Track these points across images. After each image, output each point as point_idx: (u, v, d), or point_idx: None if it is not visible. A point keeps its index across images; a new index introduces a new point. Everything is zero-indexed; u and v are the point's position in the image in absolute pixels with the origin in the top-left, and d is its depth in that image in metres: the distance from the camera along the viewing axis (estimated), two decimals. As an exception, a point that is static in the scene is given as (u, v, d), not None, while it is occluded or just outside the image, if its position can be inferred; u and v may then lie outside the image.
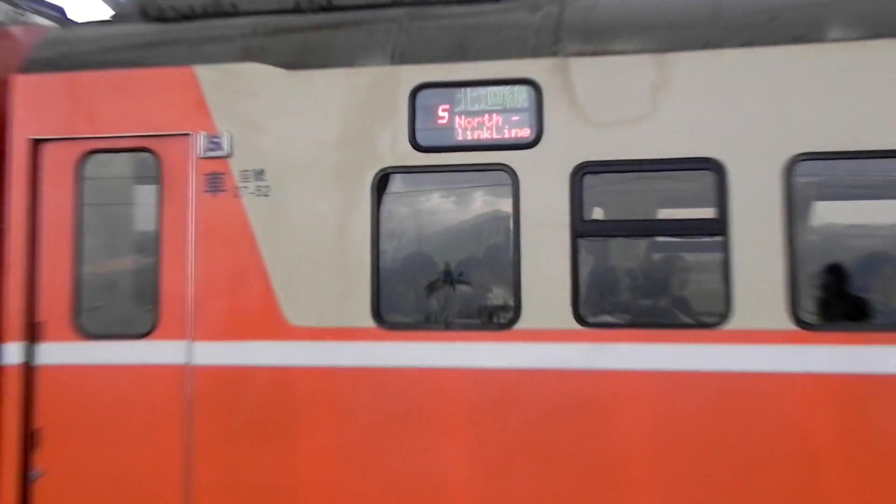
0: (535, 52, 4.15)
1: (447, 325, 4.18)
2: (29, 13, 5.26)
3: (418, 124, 4.19)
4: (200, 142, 4.40)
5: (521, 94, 4.11)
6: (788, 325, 3.78)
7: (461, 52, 4.22)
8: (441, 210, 4.54)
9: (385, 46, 4.33)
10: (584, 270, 4.10)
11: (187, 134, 4.43)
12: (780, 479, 3.74)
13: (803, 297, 3.91)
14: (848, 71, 3.83)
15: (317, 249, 4.23)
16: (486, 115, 4.14)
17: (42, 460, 4.46)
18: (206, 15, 4.85)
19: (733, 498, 3.78)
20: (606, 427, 3.90)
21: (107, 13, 5.16)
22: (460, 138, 4.16)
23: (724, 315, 3.84)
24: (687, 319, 4.24)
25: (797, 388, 3.77)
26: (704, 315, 4.13)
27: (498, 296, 4.26)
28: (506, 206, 4.15)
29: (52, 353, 4.48)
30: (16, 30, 4.95)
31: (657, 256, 4.64)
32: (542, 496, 3.94)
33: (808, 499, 3.72)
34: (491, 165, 4.13)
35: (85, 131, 4.54)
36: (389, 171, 4.23)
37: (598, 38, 4.13)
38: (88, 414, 4.40)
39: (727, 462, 3.78)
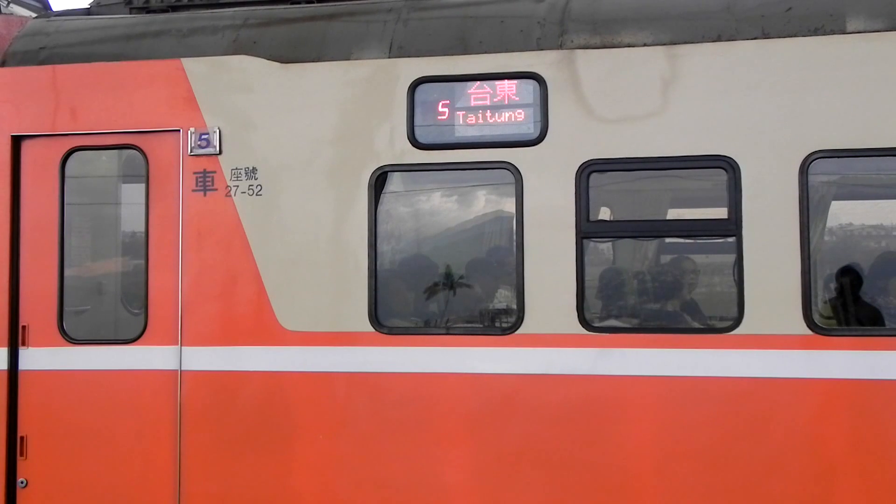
0: (539, 45, 4.03)
1: (447, 330, 4.08)
2: (10, 3, 5.07)
3: (417, 120, 4.07)
4: (189, 138, 4.26)
5: (525, 89, 3.98)
6: (802, 329, 3.67)
7: (462, 45, 4.09)
8: (441, 210, 4.43)
9: (383, 38, 4.20)
10: (590, 273, 4.00)
11: (175, 130, 4.29)
12: (791, 488, 3.66)
13: (818, 300, 3.83)
14: (869, 64, 3.70)
15: (312, 251, 4.12)
16: (489, 111, 4.02)
17: (27, 469, 4.35)
18: (194, 5, 4.72)
19: None
20: (613, 435, 3.82)
21: (88, 2, 4.99)
22: (461, 135, 4.05)
23: (736, 319, 3.74)
24: (697, 324, 4.14)
25: (811, 395, 3.68)
26: (715, 319, 4.06)
27: (500, 299, 4.17)
28: (508, 205, 4.05)
29: (36, 358, 4.37)
30: (-5, 21, 4.79)
31: (666, 258, 4.54)
32: (546, 507, 3.83)
33: None
34: (493, 163, 4.01)
35: (68, 128, 4.41)
36: (387, 169, 4.10)
37: (605, 30, 3.99)
38: (75, 421, 4.30)
39: (737, 471, 3.70)
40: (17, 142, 4.45)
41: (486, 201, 4.42)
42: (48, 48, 4.56)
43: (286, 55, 4.24)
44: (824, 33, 3.76)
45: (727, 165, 3.78)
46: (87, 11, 4.94)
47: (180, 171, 4.27)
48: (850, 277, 4.02)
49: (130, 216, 4.52)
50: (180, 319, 4.22)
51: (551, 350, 3.87)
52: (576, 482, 3.83)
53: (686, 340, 3.82)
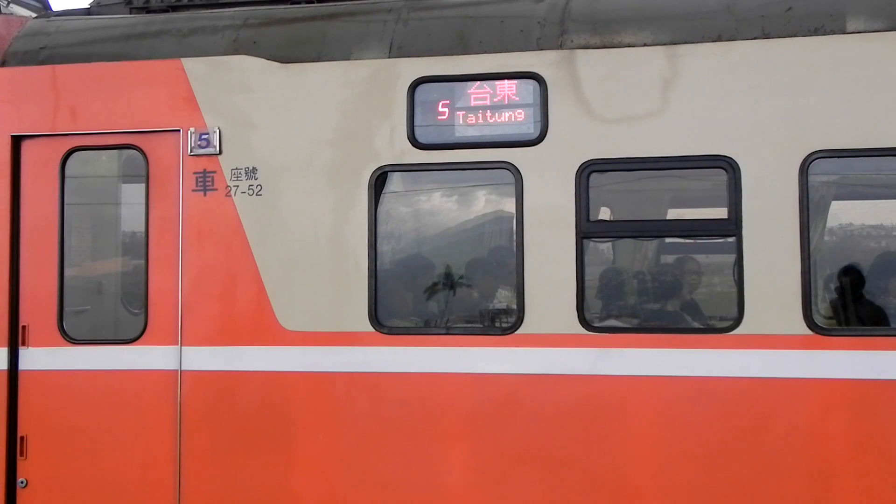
0: (539, 45, 4.02)
1: (447, 330, 4.08)
2: (10, 3, 5.07)
3: (417, 120, 4.06)
4: (189, 138, 4.26)
5: (526, 89, 3.98)
6: (802, 329, 3.67)
7: (462, 45, 4.09)
8: (441, 210, 4.42)
9: (383, 38, 4.20)
10: (590, 273, 4.00)
11: (175, 130, 4.29)
12: (792, 488, 3.66)
13: (818, 300, 3.82)
14: (869, 64, 3.70)
15: (312, 251, 4.12)
16: (489, 111, 4.02)
17: (27, 469, 4.35)
18: (194, 5, 4.72)
19: None
20: (613, 435, 3.82)
21: (88, 2, 4.99)
22: (461, 135, 4.04)
23: (736, 319, 3.74)
24: (697, 324, 4.13)
25: (811, 395, 3.67)
26: (715, 319, 4.05)
27: (500, 299, 4.17)
28: (509, 205, 4.05)
29: (36, 358, 4.36)
30: (-5, 21, 4.78)
31: (666, 258, 4.54)
32: (546, 507, 3.83)
33: None
34: (493, 163, 4.01)
35: (68, 128, 4.40)
36: (387, 169, 4.10)
37: (606, 30, 3.99)
38: (75, 421, 4.30)
39: (738, 471, 3.70)
40: (17, 142, 4.45)
41: (486, 201, 4.42)
42: (48, 48, 4.56)
43: (286, 55, 4.24)
44: (824, 33, 3.76)
45: (727, 165, 3.78)
46: (87, 11, 4.94)
47: (180, 171, 4.27)
48: (850, 277, 4.01)
49: (130, 216, 4.52)
50: (180, 319, 4.22)
51: (551, 350, 3.87)
52: (576, 482, 3.83)
53: (686, 340, 3.81)
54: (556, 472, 3.84)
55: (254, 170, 4.19)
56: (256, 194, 4.18)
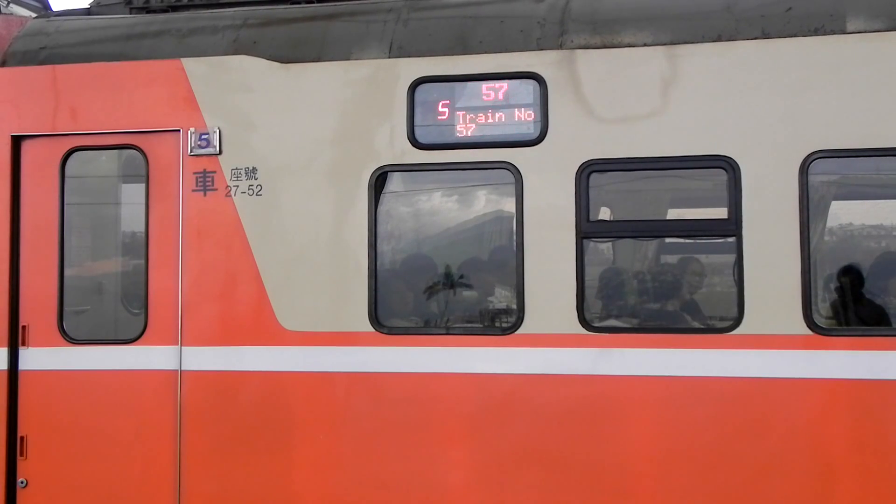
0: (539, 45, 4.03)
1: (447, 330, 4.08)
2: (10, 3, 5.08)
3: (417, 120, 4.07)
4: (189, 138, 4.26)
5: (525, 89, 3.98)
6: (802, 329, 3.68)
7: (462, 45, 4.09)
8: (441, 210, 4.43)
9: (383, 38, 4.20)
10: (590, 273, 4.00)
11: (175, 130, 4.29)
12: (792, 489, 3.66)
13: (818, 300, 3.83)
14: (869, 64, 3.70)
15: (312, 251, 4.12)
16: (489, 111, 4.02)
17: (27, 469, 4.35)
18: (194, 5, 4.73)
19: None
20: (613, 435, 3.82)
21: (88, 2, 4.99)
22: (461, 135, 4.05)
23: (736, 319, 3.75)
24: (697, 324, 4.14)
25: (810, 395, 3.68)
26: (715, 319, 4.06)
27: (500, 299, 4.17)
28: (508, 205, 4.06)
29: (36, 358, 4.37)
30: (-5, 21, 4.79)
31: (666, 258, 4.54)
32: (546, 507, 3.83)
33: None
34: (493, 163, 4.01)
35: (68, 128, 4.41)
36: (387, 169, 4.11)
37: (606, 30, 3.99)
38: (75, 421, 4.30)
39: (737, 471, 3.70)
40: (17, 142, 4.45)
41: (486, 201, 4.43)
42: (48, 48, 4.56)
43: (286, 55, 4.24)
44: (824, 33, 3.77)
45: (727, 165, 3.78)
46: (87, 11, 4.94)
47: (180, 171, 4.27)
48: (850, 277, 4.01)
49: (130, 216, 4.53)
50: (180, 319, 4.22)
51: (551, 350, 3.87)
52: (576, 482, 3.83)
53: (686, 340, 3.82)
54: (556, 473, 3.85)
55: (254, 170, 4.20)
56: (256, 194, 4.18)
